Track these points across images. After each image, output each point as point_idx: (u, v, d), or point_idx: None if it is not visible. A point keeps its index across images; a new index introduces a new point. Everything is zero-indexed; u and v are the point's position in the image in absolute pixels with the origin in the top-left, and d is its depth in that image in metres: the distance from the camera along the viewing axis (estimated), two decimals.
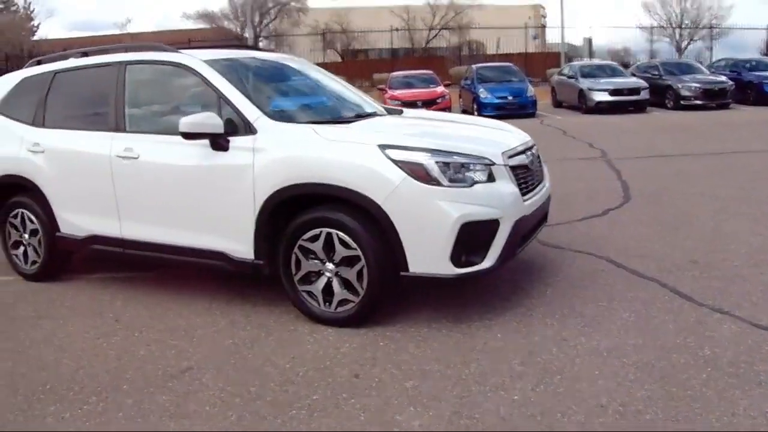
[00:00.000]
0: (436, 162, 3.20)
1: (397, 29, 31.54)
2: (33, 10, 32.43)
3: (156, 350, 3.33)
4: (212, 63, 3.85)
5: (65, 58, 4.58)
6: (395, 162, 3.20)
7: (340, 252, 3.32)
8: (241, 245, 3.59)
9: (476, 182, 3.27)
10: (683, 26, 24.37)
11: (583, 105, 16.23)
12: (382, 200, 3.19)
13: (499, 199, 3.31)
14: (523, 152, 3.71)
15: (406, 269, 3.23)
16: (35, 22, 31.88)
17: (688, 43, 24.93)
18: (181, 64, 3.89)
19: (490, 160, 3.35)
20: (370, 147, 3.27)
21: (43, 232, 4.36)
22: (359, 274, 3.30)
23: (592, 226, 5.34)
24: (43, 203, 4.32)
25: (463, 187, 3.22)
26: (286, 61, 4.77)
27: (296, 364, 3.09)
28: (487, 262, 3.29)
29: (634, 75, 17.52)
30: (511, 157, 3.53)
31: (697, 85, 15.90)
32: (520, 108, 15.52)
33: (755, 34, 25.99)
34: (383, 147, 3.25)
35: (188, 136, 3.53)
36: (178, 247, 3.81)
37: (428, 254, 3.19)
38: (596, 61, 21.17)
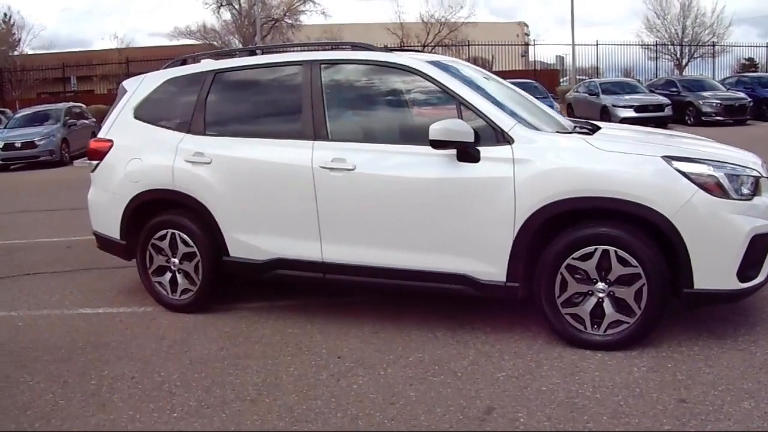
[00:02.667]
0: (726, 174, 2.99)
1: (388, 47, 31.36)
2: (14, 24, 31.10)
3: (428, 389, 2.82)
4: (436, 64, 3.45)
5: (219, 57, 4.03)
6: (684, 174, 2.95)
7: (617, 270, 2.99)
8: (491, 267, 3.16)
9: (753, 195, 3.05)
10: (684, 44, 25.10)
11: (606, 122, 16.27)
12: (672, 214, 2.89)
13: None
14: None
15: (691, 286, 2.95)
16: (16, 36, 30.50)
17: (688, 61, 25.70)
18: (403, 65, 3.45)
19: (759, 173, 3.15)
20: (655, 159, 3.00)
21: (204, 256, 3.75)
22: (638, 293, 2.98)
23: None
24: (207, 222, 3.73)
25: (746, 199, 3.01)
26: (469, 67, 4.29)
27: (603, 392, 2.70)
28: (761, 277, 3.07)
29: (652, 91, 17.62)
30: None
31: (718, 101, 16.14)
32: None
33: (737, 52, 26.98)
34: (669, 159, 2.99)
35: (438, 144, 3.13)
36: (402, 270, 3.31)
37: (716, 269, 2.95)
38: (615, 78, 21.30)
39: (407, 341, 3.35)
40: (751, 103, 16.26)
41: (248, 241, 3.64)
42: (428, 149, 3.22)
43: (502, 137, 3.18)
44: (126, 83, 4.26)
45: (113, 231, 4.01)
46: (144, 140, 3.93)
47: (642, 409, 2.59)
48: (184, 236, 3.79)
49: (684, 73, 23.12)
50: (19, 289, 4.69)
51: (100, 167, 4.07)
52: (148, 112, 3.99)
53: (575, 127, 3.80)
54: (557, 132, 3.42)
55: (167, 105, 3.99)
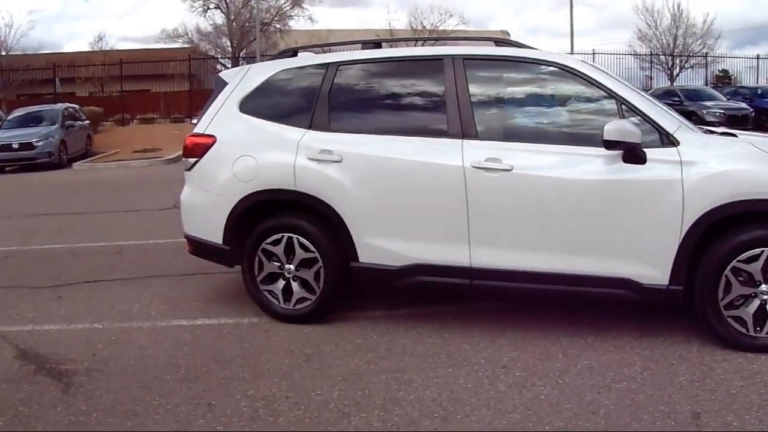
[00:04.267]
0: None
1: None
2: None
3: (619, 397, 2.63)
4: (587, 63, 3.30)
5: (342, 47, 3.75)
6: None
7: None
8: (654, 270, 3.00)
9: None
10: (675, 54, 25.57)
11: None
12: None
13: None
14: None
15: None
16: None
17: (680, 71, 26.12)
18: (557, 63, 3.27)
19: None
20: None
21: (326, 262, 3.41)
22: None
23: None
24: (333, 225, 3.39)
25: None
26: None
27: None
28: None
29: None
30: None
31: (721, 110, 16.29)
32: None
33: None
34: None
35: (611, 145, 2.97)
36: (558, 275, 3.11)
37: None
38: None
39: (563, 348, 3.15)
40: (753, 114, 16.52)
41: (383, 245, 3.32)
42: (588, 149, 3.11)
43: (666, 139, 3.07)
44: (224, 75, 3.88)
45: (214, 235, 3.61)
46: (255, 136, 3.56)
47: None
48: (304, 241, 3.43)
49: (674, 84, 23.53)
50: (88, 299, 4.24)
51: (199, 165, 3.66)
52: (257, 106, 3.62)
53: (711, 132, 3.65)
54: (722, 134, 3.31)
55: (281, 98, 3.63)
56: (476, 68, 3.38)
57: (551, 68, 3.35)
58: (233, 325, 3.60)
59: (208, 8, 30.58)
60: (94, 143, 16.71)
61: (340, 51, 3.87)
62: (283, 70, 3.64)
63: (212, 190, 3.60)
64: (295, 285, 3.51)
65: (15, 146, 13.37)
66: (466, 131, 3.24)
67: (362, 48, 3.61)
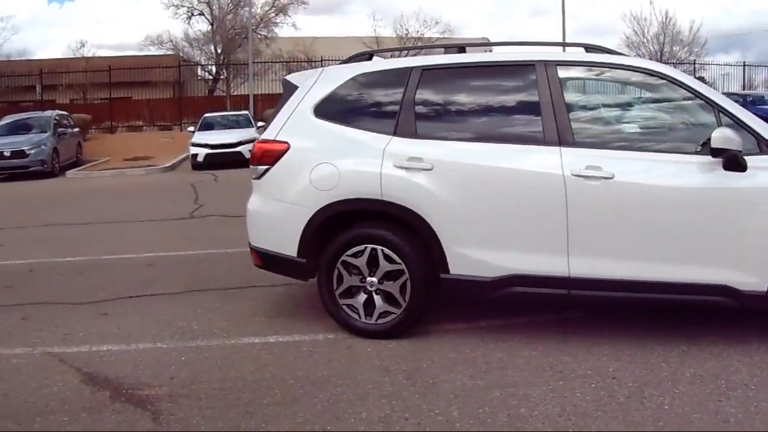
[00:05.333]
0: None
1: (335, 59, 31.07)
2: None
3: (744, 405, 2.54)
4: (677, 71, 3.23)
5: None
6: None
7: None
8: (753, 277, 2.96)
9: None
10: (663, 61, 26.00)
11: None
12: None
13: None
14: None
15: None
16: None
17: None
18: (652, 70, 3.21)
19: None
20: None
21: (414, 274, 3.21)
22: None
23: None
24: (422, 236, 3.21)
25: None
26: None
27: None
28: None
29: None
30: None
31: None
32: None
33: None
34: None
35: (717, 153, 2.91)
36: (657, 283, 3.02)
37: None
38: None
39: (662, 357, 3.05)
40: None
41: (476, 256, 3.15)
42: (687, 157, 3.06)
43: (765, 146, 3.03)
44: (293, 78, 3.66)
45: (287, 247, 3.39)
46: (334, 142, 3.36)
47: None
48: (389, 252, 3.23)
49: None
50: (137, 316, 3.95)
51: (271, 174, 3.43)
52: (333, 111, 3.41)
53: None
54: None
55: (360, 103, 3.44)
56: (569, 74, 3.27)
57: (644, 75, 3.27)
58: (310, 342, 3.38)
59: (192, 15, 30.12)
60: (84, 151, 16.21)
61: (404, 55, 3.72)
62: (361, 74, 3.44)
63: (286, 199, 3.38)
64: (377, 298, 3.30)
65: (6, 154, 12.78)
66: (563, 138, 3.12)
67: (445, 52, 3.45)
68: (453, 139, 3.25)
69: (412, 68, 3.37)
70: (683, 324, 3.38)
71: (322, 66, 30.80)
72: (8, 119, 14.63)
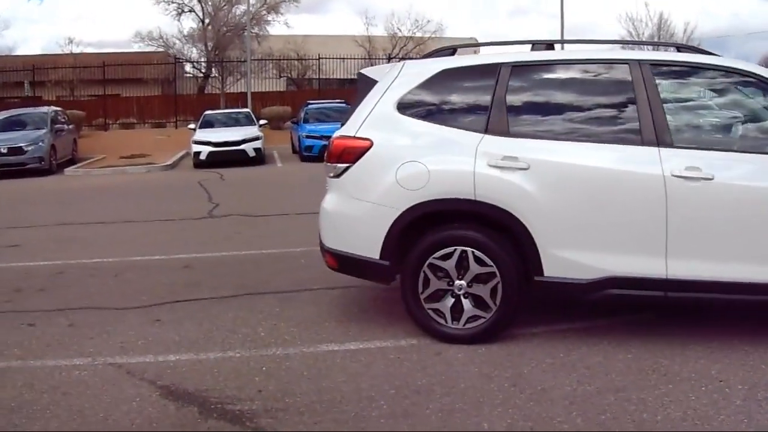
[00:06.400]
0: None
1: (343, 58, 30.77)
2: None
3: None
4: None
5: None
6: None
7: None
8: None
9: None
10: None
11: None
12: None
13: None
14: None
15: None
16: None
17: None
18: (746, 71, 3.11)
19: None
20: None
21: (506, 277, 3.04)
22: None
23: None
24: (516, 237, 3.03)
25: None
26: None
27: None
28: None
29: None
30: None
31: None
32: None
33: None
34: None
35: None
36: (757, 284, 2.92)
37: None
38: None
39: (760, 358, 2.94)
40: None
41: (573, 258, 2.99)
42: None
43: None
44: (371, 72, 3.46)
45: (369, 249, 3.18)
46: (421, 140, 3.17)
47: None
48: (479, 254, 3.04)
49: None
50: (194, 322, 3.69)
51: (352, 172, 3.21)
52: (418, 107, 3.21)
53: None
54: None
55: (446, 99, 3.24)
56: (664, 74, 3.14)
57: (739, 76, 3.16)
58: (394, 349, 3.16)
59: (183, 11, 29.48)
60: (78, 148, 15.68)
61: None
62: (447, 70, 3.24)
63: (369, 199, 3.17)
64: (466, 302, 3.11)
65: (3, 151, 12.24)
66: (661, 139, 2.98)
67: (532, 49, 3.27)
68: (547, 138, 3.08)
69: (501, 64, 3.17)
70: (749, 324, 3.25)
71: (318, 63, 30.24)
72: (3, 115, 14.04)
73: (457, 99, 3.24)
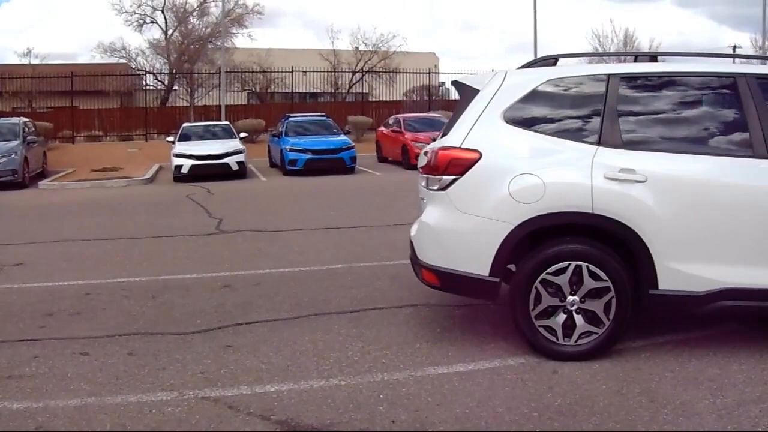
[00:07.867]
0: None
1: (305, 71, 30.51)
2: None
3: None
4: None
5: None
6: None
7: None
8: None
9: None
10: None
11: None
12: None
13: None
14: None
15: None
16: None
17: None
18: None
19: None
20: None
21: (620, 291, 2.92)
22: None
23: None
24: (631, 251, 2.93)
25: None
26: None
27: None
28: None
29: None
30: None
31: None
32: None
33: None
34: None
35: None
36: None
37: None
38: None
39: None
40: None
41: (688, 271, 2.91)
42: None
43: None
44: (471, 81, 3.28)
45: (477, 266, 2.98)
46: (533, 152, 3.02)
47: None
48: (594, 269, 2.91)
49: None
50: (270, 347, 3.38)
51: (459, 184, 3.02)
52: (526, 118, 3.06)
53: None
54: None
55: (554, 110, 3.10)
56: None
57: None
58: (506, 368, 2.98)
59: (144, 23, 28.43)
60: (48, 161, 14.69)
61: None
62: (552, 80, 3.12)
63: (479, 213, 2.98)
64: (578, 318, 2.97)
65: None
66: None
67: (635, 60, 3.19)
68: (661, 150, 3.00)
69: (609, 75, 3.07)
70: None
71: (292, 75, 29.42)
72: None
73: (565, 110, 3.11)
